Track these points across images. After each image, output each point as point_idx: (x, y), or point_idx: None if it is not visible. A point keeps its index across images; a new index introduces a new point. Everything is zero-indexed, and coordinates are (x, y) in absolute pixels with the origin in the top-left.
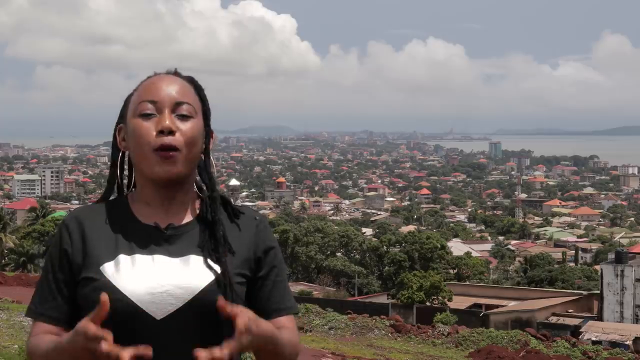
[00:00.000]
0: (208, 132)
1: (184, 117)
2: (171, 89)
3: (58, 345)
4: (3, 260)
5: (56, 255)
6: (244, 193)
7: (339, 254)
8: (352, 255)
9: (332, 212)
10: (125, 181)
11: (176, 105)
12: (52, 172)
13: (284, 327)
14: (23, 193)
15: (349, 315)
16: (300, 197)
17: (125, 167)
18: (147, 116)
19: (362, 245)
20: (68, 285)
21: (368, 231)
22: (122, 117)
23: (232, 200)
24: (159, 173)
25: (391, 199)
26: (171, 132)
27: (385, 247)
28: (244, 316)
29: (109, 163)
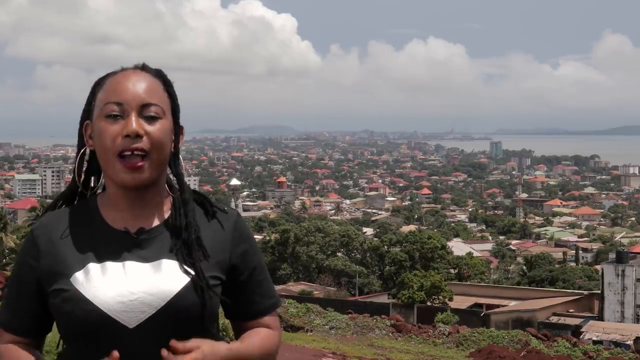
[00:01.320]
0: (177, 130)
1: (151, 119)
2: (138, 89)
3: None
4: (4, 260)
5: (23, 268)
6: (245, 193)
7: (339, 254)
8: (353, 255)
9: (332, 211)
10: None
11: (143, 107)
12: (52, 172)
13: (264, 329)
14: (24, 193)
15: (350, 315)
16: (301, 197)
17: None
18: (113, 118)
19: (362, 245)
20: (35, 299)
21: (369, 231)
22: (90, 105)
23: (211, 197)
24: (126, 180)
25: (392, 198)
26: (138, 136)
27: (386, 247)
28: (197, 354)
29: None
